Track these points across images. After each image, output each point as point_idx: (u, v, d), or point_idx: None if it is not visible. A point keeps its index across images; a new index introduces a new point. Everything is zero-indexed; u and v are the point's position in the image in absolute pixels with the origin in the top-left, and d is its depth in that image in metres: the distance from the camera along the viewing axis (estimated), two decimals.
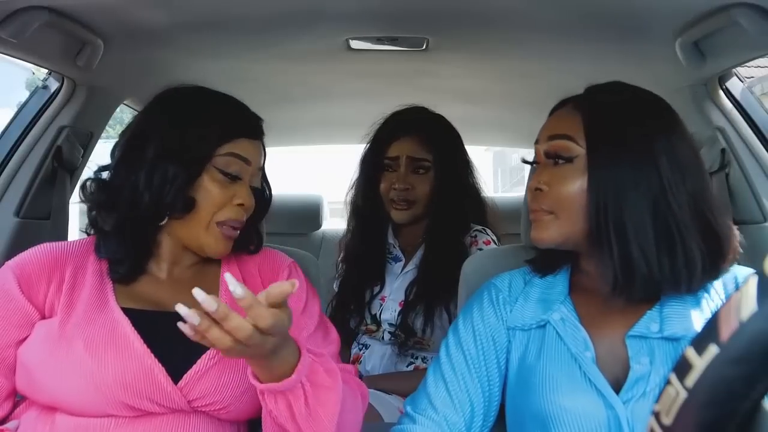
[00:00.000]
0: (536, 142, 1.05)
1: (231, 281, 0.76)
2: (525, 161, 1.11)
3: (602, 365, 0.95)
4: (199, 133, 1.03)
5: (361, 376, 1.64)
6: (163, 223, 1.04)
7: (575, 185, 0.97)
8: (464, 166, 1.74)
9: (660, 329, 0.94)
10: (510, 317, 1.05)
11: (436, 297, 1.62)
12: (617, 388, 0.93)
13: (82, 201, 1.08)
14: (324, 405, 0.90)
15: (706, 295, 0.96)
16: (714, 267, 0.96)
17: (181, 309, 0.75)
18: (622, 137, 0.96)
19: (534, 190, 1.01)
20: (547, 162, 1.01)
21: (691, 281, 0.94)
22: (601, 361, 0.96)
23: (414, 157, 1.64)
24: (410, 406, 1.05)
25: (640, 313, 0.96)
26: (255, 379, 0.88)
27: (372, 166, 1.71)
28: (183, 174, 1.01)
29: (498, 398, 1.04)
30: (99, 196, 1.04)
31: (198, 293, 0.75)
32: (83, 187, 1.06)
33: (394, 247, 1.75)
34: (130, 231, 1.02)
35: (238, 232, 1.07)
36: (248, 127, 1.08)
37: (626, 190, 0.93)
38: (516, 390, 1.02)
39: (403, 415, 1.05)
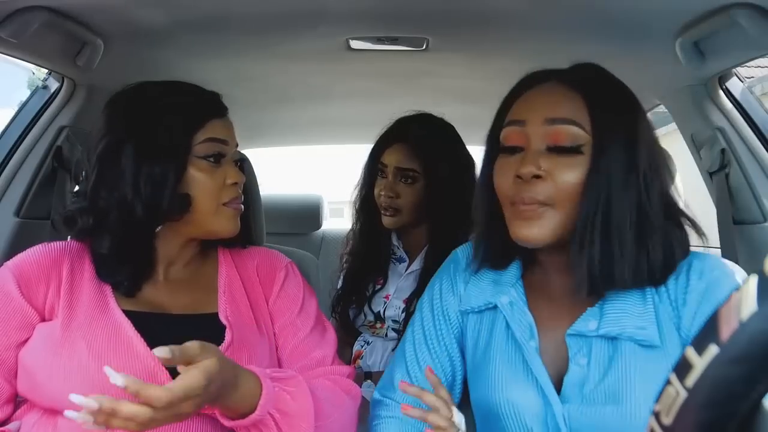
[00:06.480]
0: (518, 123, 0.92)
1: (111, 374, 0.74)
2: (504, 148, 0.93)
3: (545, 358, 0.94)
4: (169, 129, 1.00)
5: (363, 372, 1.67)
6: (158, 229, 1.03)
7: (579, 174, 0.88)
8: (463, 171, 1.73)
9: (597, 327, 0.91)
10: (463, 296, 1.03)
11: None
12: (558, 383, 0.92)
13: (72, 237, 1.04)
14: (296, 426, 0.90)
15: (651, 290, 0.92)
16: (678, 257, 0.92)
17: (71, 414, 0.74)
18: (623, 126, 0.90)
19: (531, 177, 0.88)
20: (537, 147, 0.90)
21: (665, 274, 0.91)
22: (544, 354, 0.94)
23: (400, 167, 1.67)
24: (377, 391, 1.07)
25: (583, 309, 0.93)
26: (223, 417, 0.87)
27: (369, 171, 1.76)
28: (170, 173, 0.99)
29: (461, 379, 1.05)
30: (86, 222, 1.00)
31: (75, 397, 0.73)
32: (69, 221, 1.01)
33: (398, 248, 1.78)
34: (126, 249, 1.01)
35: (242, 206, 1.08)
36: (213, 107, 1.06)
37: (618, 183, 0.88)
38: (472, 378, 1.02)
39: (373, 401, 1.08)
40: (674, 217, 0.94)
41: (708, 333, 0.44)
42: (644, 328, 0.89)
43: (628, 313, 0.91)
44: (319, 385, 1.00)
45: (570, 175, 0.88)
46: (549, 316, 0.96)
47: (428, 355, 1.04)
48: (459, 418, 0.90)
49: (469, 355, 1.03)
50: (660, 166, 0.93)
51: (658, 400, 0.47)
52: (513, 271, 1.01)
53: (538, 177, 0.89)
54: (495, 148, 0.97)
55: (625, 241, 0.88)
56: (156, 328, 0.99)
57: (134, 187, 0.98)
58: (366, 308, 1.74)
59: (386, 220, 1.70)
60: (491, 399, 0.96)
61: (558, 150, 0.89)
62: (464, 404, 1.06)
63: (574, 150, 0.89)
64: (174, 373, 0.95)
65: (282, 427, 0.89)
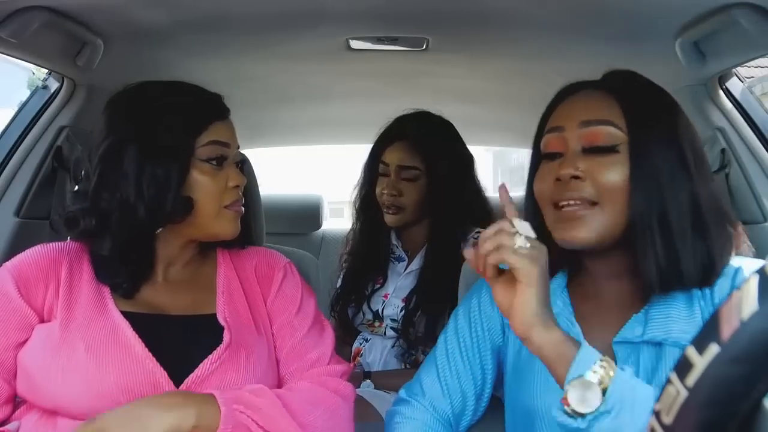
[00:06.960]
0: (556, 130, 0.95)
1: None
2: (545, 154, 0.96)
3: None
4: (170, 129, 1.00)
5: (363, 370, 1.68)
6: (159, 231, 1.03)
7: (621, 174, 0.89)
8: (462, 169, 1.74)
9: (642, 332, 0.91)
10: None
11: (437, 299, 1.64)
12: None
13: (73, 238, 1.04)
14: (270, 416, 0.92)
15: (698, 293, 0.92)
16: (726, 258, 0.92)
17: None
18: (660, 124, 0.91)
19: (570, 178, 0.89)
20: (575, 150, 0.92)
21: (719, 273, 0.90)
22: None
23: (403, 166, 1.68)
24: (405, 391, 1.07)
25: (629, 316, 0.93)
26: None
27: (370, 170, 1.76)
28: (173, 174, 0.99)
29: (490, 389, 1.05)
30: (88, 224, 1.00)
31: None
32: (70, 222, 1.01)
33: (397, 247, 1.78)
34: (127, 251, 1.00)
35: (243, 208, 1.08)
36: (216, 109, 1.06)
37: (668, 181, 0.89)
38: (512, 385, 1.02)
39: (398, 399, 1.08)
40: (724, 215, 0.93)
41: (709, 332, 0.44)
42: (689, 332, 0.89)
43: (673, 317, 0.90)
44: (297, 387, 1.01)
45: (610, 174, 0.89)
46: (596, 325, 0.96)
47: (461, 363, 1.04)
48: (522, 226, 0.83)
49: (509, 363, 1.03)
50: (706, 164, 0.93)
51: (658, 399, 0.47)
52: (558, 281, 1.00)
53: (577, 178, 0.90)
54: (538, 157, 0.99)
55: (686, 238, 0.88)
56: (154, 329, 0.99)
57: (137, 188, 0.98)
58: (365, 307, 1.74)
59: (389, 219, 1.70)
60: (533, 405, 0.96)
61: (594, 150, 0.90)
62: (491, 412, 1.06)
63: (610, 149, 0.90)
64: (173, 376, 0.96)
65: (258, 421, 0.90)
